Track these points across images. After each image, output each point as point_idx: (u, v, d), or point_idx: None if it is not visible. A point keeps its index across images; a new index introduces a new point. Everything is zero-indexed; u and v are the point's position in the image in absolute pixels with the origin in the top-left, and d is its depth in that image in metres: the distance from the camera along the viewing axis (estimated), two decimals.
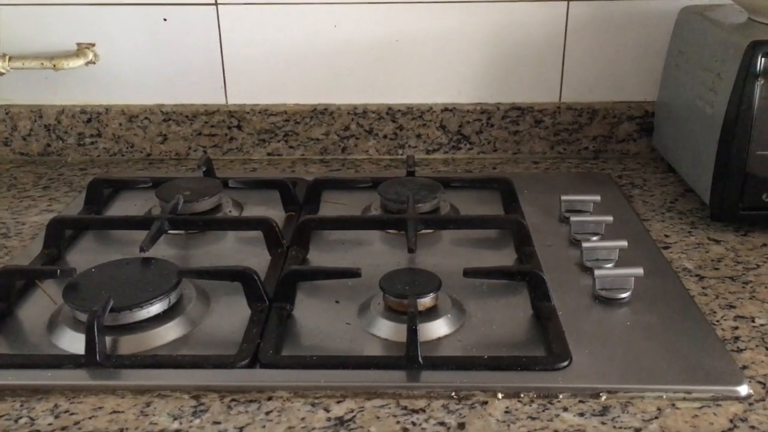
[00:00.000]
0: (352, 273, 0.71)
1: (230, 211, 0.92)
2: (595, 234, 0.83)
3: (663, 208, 0.94)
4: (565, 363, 0.63)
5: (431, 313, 0.69)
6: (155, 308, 0.69)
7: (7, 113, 1.11)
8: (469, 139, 1.11)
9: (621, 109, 1.10)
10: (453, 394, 0.60)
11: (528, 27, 1.06)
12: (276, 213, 0.92)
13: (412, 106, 1.10)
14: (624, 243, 0.78)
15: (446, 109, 1.10)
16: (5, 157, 1.13)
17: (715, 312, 0.72)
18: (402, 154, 1.12)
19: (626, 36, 1.07)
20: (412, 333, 0.63)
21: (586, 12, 1.06)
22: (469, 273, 0.71)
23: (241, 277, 0.71)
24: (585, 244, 0.79)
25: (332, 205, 0.94)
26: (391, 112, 1.10)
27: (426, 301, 0.69)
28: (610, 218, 0.83)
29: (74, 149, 1.12)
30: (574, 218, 0.84)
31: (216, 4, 1.06)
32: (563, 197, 0.89)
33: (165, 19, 1.07)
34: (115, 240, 0.86)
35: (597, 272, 0.73)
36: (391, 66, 1.09)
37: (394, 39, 1.08)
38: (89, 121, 1.11)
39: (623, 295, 0.73)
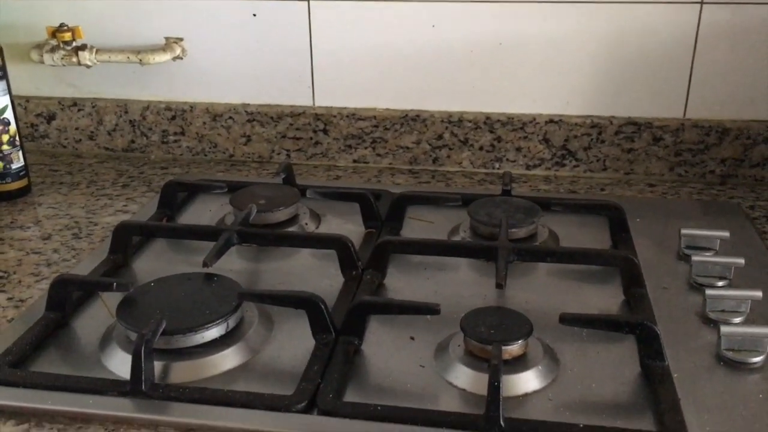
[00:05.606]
0: (431, 309, 0.62)
1: (306, 224, 0.85)
2: (722, 278, 0.71)
3: None
4: None
5: (519, 363, 0.60)
6: (212, 333, 0.63)
7: (93, 107, 1.09)
8: (575, 156, 1.00)
9: (756, 128, 0.95)
10: None
11: (652, 31, 0.94)
12: (355, 228, 0.85)
13: (512, 116, 1.00)
14: (758, 293, 0.66)
15: (551, 120, 0.99)
16: (90, 151, 1.11)
17: None
18: (499, 168, 1.02)
19: (766, 45, 0.92)
20: (494, 390, 0.54)
21: (721, 17, 0.92)
22: (566, 320, 0.61)
23: (307, 304, 0.64)
24: (709, 291, 0.67)
25: (417, 223, 0.86)
26: (489, 122, 1.00)
27: (513, 349, 0.60)
28: (741, 260, 0.71)
29: (158, 146, 1.09)
30: (696, 257, 0.72)
31: None
32: (684, 231, 0.77)
33: (254, 15, 1.01)
34: (184, 247, 0.81)
35: (723, 328, 0.61)
36: (492, 71, 0.99)
37: (497, 42, 0.98)
38: (173, 118, 1.07)
39: (755, 360, 0.61)
